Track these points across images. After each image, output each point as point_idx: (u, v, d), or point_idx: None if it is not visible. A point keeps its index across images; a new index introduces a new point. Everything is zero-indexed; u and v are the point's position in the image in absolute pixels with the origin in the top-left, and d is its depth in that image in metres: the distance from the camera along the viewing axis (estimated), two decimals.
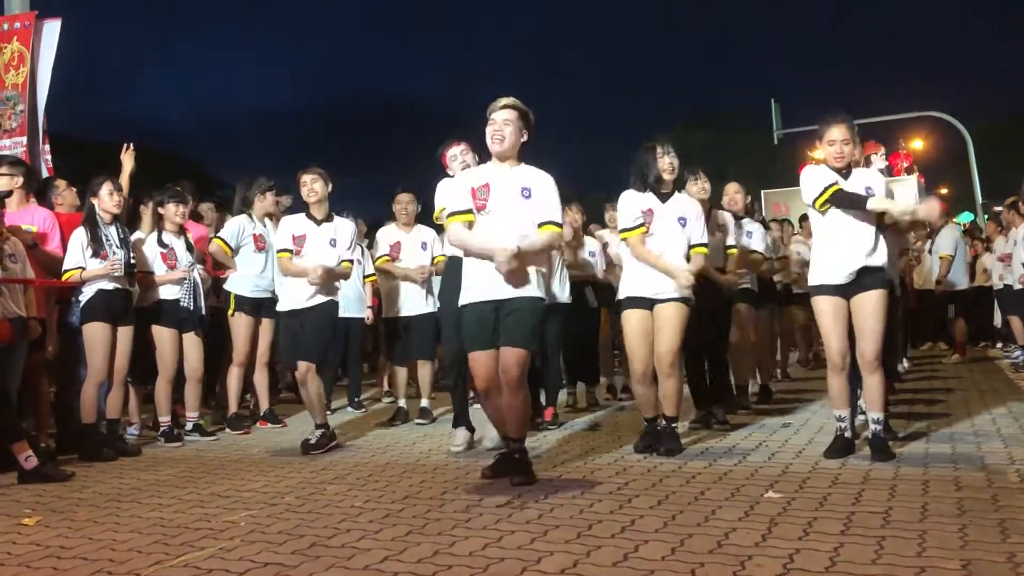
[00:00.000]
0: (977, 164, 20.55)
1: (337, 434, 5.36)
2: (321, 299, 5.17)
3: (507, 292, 3.85)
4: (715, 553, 2.62)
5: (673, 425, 4.49)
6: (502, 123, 3.91)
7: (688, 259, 4.51)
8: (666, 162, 4.54)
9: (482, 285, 3.89)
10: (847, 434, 4.12)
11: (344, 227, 5.33)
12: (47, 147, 6.75)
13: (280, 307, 5.40)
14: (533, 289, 3.89)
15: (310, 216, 5.26)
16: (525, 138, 3.98)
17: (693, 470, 3.96)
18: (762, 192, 15.05)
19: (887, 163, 14.57)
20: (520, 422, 3.96)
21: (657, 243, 4.48)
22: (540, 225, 3.92)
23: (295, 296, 5.20)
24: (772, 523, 2.94)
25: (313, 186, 5.22)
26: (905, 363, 8.45)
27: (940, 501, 3.15)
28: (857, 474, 3.69)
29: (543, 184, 3.98)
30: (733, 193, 6.00)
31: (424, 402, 6.35)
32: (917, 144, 22.30)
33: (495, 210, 3.91)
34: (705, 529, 2.90)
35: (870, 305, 4.02)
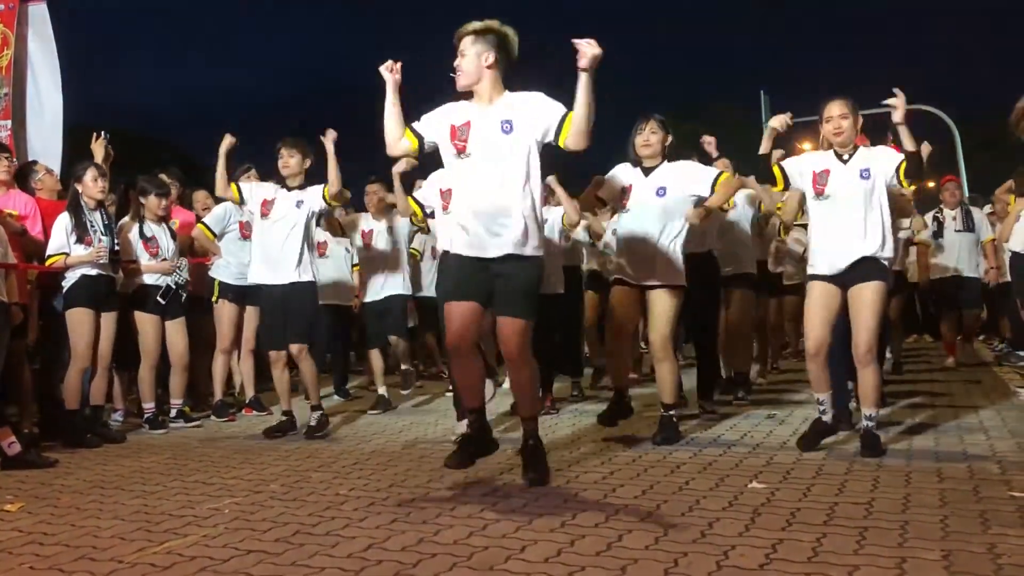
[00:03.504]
0: (964, 159, 20.63)
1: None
2: (301, 279, 5.19)
3: (497, 250, 3.46)
4: (698, 543, 2.63)
5: (671, 413, 4.49)
6: (458, 57, 3.53)
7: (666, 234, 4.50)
8: (640, 139, 4.56)
9: (469, 239, 3.50)
10: (825, 417, 4.13)
11: (314, 189, 5.27)
12: (58, 139, 6.70)
13: (258, 279, 5.31)
14: (529, 247, 3.48)
15: (283, 185, 5.31)
16: (490, 60, 3.48)
17: (677, 460, 3.97)
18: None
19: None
20: (529, 398, 3.65)
21: (630, 219, 4.54)
22: (560, 125, 3.42)
23: (276, 272, 5.20)
24: (755, 513, 2.95)
25: (289, 160, 5.22)
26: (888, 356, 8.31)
27: (922, 492, 3.17)
28: (840, 466, 3.71)
29: (528, 103, 3.50)
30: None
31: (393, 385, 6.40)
32: None
33: (474, 153, 3.51)
34: (689, 519, 2.91)
35: (868, 297, 3.94)
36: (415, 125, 3.64)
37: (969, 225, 8.08)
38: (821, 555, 2.47)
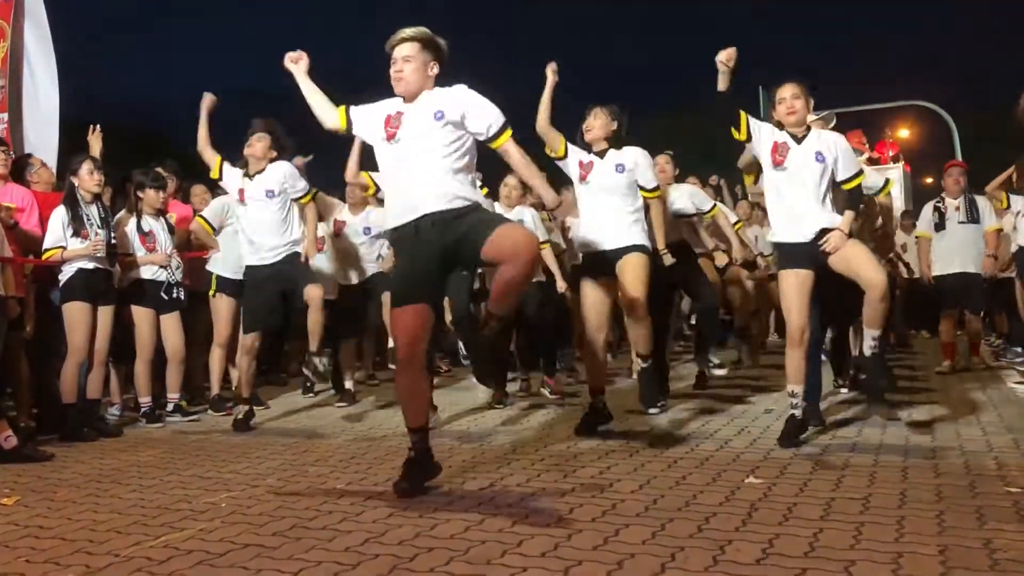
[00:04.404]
0: (962, 154, 20.63)
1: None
2: (290, 251, 5.27)
3: (437, 204, 3.35)
4: (695, 537, 2.63)
5: (648, 365, 4.64)
6: (402, 61, 3.48)
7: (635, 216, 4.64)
8: (586, 123, 4.72)
9: (404, 208, 3.42)
10: (798, 413, 4.17)
11: (276, 170, 5.28)
12: (54, 132, 6.70)
13: (249, 262, 5.36)
14: (463, 200, 3.37)
15: (245, 174, 5.33)
16: (435, 71, 3.53)
17: (675, 455, 3.97)
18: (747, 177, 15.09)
19: (873, 152, 14.50)
20: (510, 290, 3.23)
21: (591, 192, 4.65)
22: (494, 138, 3.47)
23: (259, 253, 5.29)
24: (753, 508, 2.95)
25: (257, 144, 5.26)
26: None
27: (919, 488, 3.17)
28: (838, 460, 3.72)
29: (457, 97, 3.48)
30: (663, 164, 5.86)
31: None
32: (903, 133, 22.37)
33: (404, 138, 3.47)
34: (686, 513, 2.91)
35: (851, 249, 4.05)
36: (351, 110, 3.70)
37: (974, 216, 7.16)
38: (818, 550, 2.47)
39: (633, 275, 4.50)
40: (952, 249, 7.17)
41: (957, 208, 7.20)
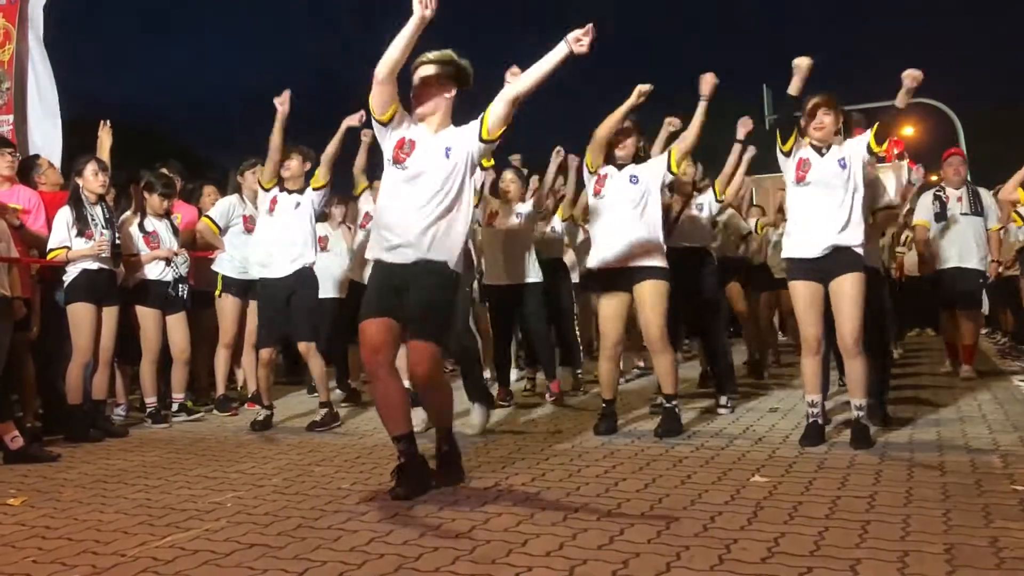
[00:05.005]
0: (967, 151, 20.55)
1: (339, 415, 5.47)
2: (302, 265, 5.28)
3: (413, 255, 3.44)
4: (700, 536, 2.63)
5: (672, 404, 4.55)
6: (422, 83, 3.53)
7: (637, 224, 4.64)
8: (614, 139, 4.70)
9: (390, 245, 3.49)
10: (820, 420, 4.17)
11: (310, 193, 5.41)
12: (57, 133, 6.72)
13: (262, 274, 5.36)
14: (442, 254, 3.46)
15: (283, 188, 5.37)
16: (452, 94, 3.56)
17: (680, 454, 3.97)
18: (753, 177, 15.04)
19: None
20: (441, 410, 3.65)
21: (606, 206, 4.64)
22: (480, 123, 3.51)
23: (271, 268, 5.29)
24: (758, 507, 2.95)
25: (288, 163, 5.31)
26: (896, 351, 8.14)
27: (924, 486, 3.17)
28: (843, 459, 3.71)
29: (463, 130, 3.56)
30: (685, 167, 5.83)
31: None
32: (908, 131, 22.31)
33: (411, 167, 3.49)
34: (691, 512, 2.91)
35: (847, 289, 4.04)
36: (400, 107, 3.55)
37: (977, 208, 6.68)
38: (823, 549, 2.47)
39: (652, 307, 4.50)
40: (950, 243, 6.69)
41: (959, 199, 6.74)
